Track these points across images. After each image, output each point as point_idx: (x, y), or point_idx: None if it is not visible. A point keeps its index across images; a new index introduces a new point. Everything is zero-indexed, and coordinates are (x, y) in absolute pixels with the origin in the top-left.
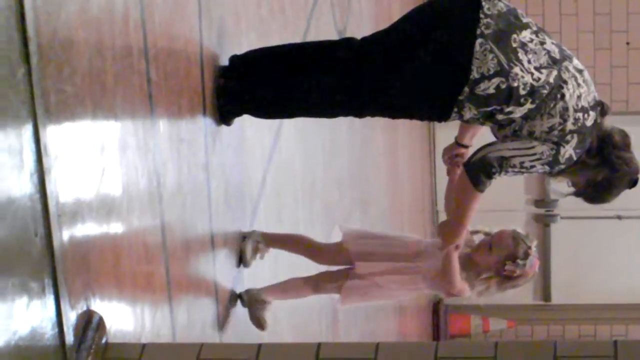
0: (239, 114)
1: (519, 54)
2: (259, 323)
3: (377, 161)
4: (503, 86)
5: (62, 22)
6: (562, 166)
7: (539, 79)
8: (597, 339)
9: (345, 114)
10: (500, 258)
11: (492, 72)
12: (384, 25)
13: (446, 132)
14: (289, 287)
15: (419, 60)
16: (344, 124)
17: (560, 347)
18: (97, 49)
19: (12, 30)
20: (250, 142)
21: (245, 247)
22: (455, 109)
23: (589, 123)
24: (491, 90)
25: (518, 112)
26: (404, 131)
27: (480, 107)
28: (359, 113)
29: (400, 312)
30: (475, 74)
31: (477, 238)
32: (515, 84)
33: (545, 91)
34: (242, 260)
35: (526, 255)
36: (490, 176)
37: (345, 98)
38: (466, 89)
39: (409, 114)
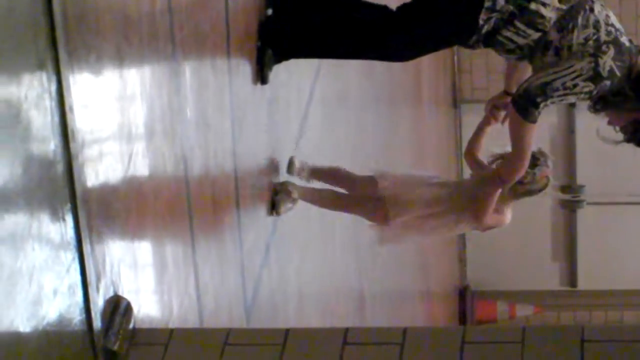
0: (281, 56)
1: None
2: (274, 206)
3: (403, 146)
4: None
5: (89, 6)
6: (607, 82)
7: None
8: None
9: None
10: None
11: None
12: None
13: (473, 118)
14: (322, 196)
15: None
16: (370, 107)
17: (588, 332)
18: (123, 34)
19: (38, 15)
20: (276, 128)
21: (293, 162)
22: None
23: (624, 41)
24: None
25: (549, 11)
26: (430, 117)
27: None
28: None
29: (426, 297)
30: None
31: (497, 164)
32: None
33: None
34: (274, 208)
35: (534, 165)
36: (537, 105)
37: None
38: None
39: (439, 32)
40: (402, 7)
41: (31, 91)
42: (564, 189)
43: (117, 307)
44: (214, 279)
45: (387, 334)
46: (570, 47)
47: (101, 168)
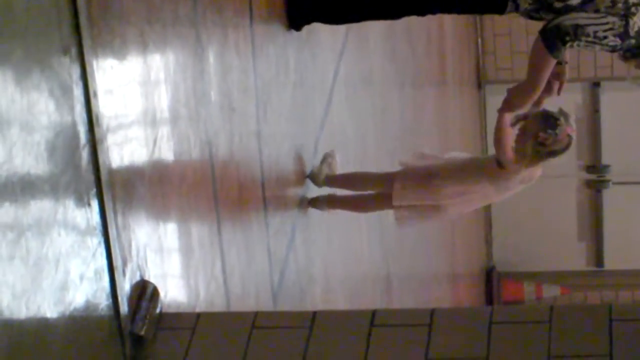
0: (309, 20)
1: None
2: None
3: (427, 128)
4: None
5: None
6: (633, 40)
7: None
8: None
9: (409, 12)
10: (533, 133)
11: None
12: None
13: (497, 99)
14: (351, 199)
15: None
16: (394, 90)
17: (616, 311)
18: (147, 19)
19: (62, 1)
20: (301, 110)
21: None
22: None
23: None
24: None
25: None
26: (455, 98)
27: None
28: (421, 11)
29: (453, 279)
30: None
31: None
32: None
33: None
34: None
35: (555, 125)
36: (564, 42)
37: None
38: None
39: (470, 6)
40: None
41: (56, 77)
42: (590, 168)
43: (144, 291)
44: (240, 262)
45: (415, 316)
46: (597, 10)
47: (126, 153)
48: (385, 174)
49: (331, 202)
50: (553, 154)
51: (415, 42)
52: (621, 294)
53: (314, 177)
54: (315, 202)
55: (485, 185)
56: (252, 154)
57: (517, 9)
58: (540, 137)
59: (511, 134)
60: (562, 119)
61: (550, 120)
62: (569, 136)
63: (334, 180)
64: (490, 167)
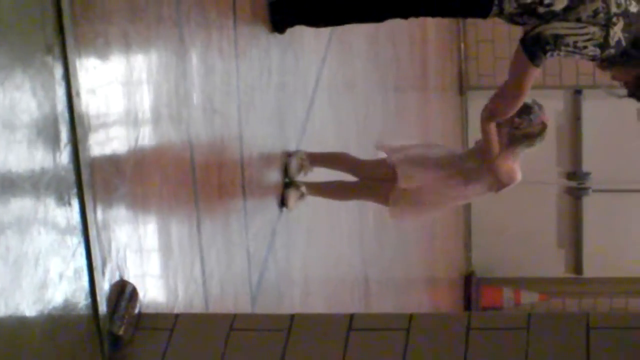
0: (292, 23)
1: None
2: (283, 201)
3: (409, 133)
4: None
5: None
6: (612, 50)
7: None
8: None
9: (392, 15)
10: (509, 121)
11: None
12: None
13: (479, 104)
14: (331, 188)
15: None
16: (376, 94)
17: (593, 319)
18: (130, 19)
19: (46, 1)
20: (282, 113)
21: (290, 162)
22: (496, 1)
23: (633, 9)
24: None
25: (558, 3)
26: (437, 103)
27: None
28: (405, 13)
29: (432, 284)
30: None
31: None
32: None
33: None
34: (286, 174)
35: (530, 112)
36: (545, 51)
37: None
38: None
39: (454, 9)
40: None
41: (38, 76)
42: (570, 176)
43: (123, 291)
44: (219, 264)
45: (393, 320)
46: (579, 20)
47: (107, 153)
48: (376, 160)
49: (313, 160)
50: (527, 137)
51: (398, 47)
52: (599, 302)
53: (285, 199)
54: (289, 170)
55: (469, 185)
56: (233, 156)
57: (501, 12)
58: (515, 121)
59: (496, 137)
60: (535, 108)
61: (524, 108)
62: (544, 123)
63: (318, 158)
64: (472, 165)
